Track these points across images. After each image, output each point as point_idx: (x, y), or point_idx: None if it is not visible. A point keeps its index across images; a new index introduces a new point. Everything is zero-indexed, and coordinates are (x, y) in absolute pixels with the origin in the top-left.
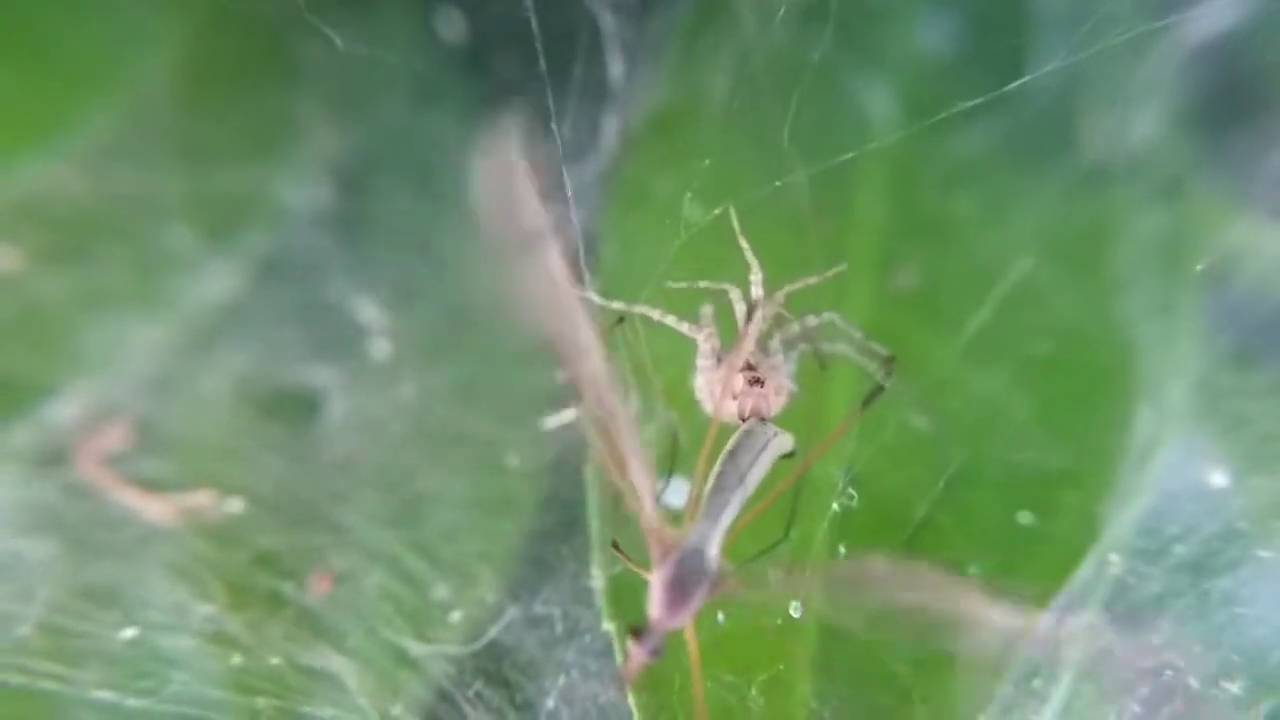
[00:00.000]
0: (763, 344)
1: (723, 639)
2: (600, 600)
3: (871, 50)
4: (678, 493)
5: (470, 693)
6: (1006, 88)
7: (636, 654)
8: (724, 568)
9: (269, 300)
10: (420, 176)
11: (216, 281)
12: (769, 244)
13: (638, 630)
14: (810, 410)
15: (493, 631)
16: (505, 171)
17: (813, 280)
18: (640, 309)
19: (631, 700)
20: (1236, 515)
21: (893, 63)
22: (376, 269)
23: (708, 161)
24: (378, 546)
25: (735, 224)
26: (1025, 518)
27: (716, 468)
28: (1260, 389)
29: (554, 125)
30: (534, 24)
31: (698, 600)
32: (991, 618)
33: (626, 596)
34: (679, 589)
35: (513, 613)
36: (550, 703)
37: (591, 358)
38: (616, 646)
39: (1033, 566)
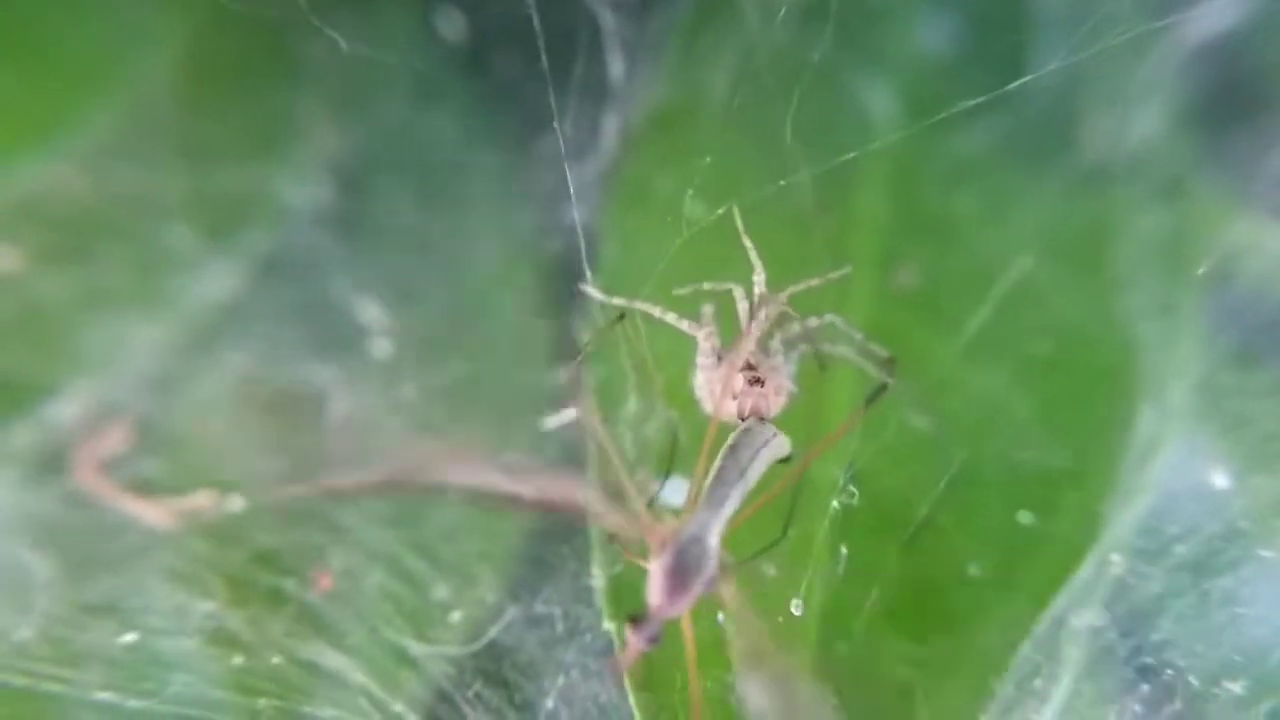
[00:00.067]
0: (763, 344)
1: (723, 638)
2: (600, 600)
3: (872, 49)
4: (676, 491)
5: (470, 693)
6: (1007, 87)
7: (634, 642)
8: (724, 558)
9: (269, 299)
10: (421, 176)
11: (217, 281)
12: (770, 243)
13: (636, 618)
14: (810, 411)
15: (493, 631)
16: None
17: (816, 282)
18: (641, 306)
19: (632, 700)
20: (1238, 515)
21: (893, 62)
22: (377, 268)
23: (708, 160)
24: (378, 546)
25: (739, 223)
26: (1026, 517)
27: (717, 462)
28: (1262, 388)
29: (556, 123)
30: (536, 22)
31: (697, 589)
32: None
33: (627, 596)
34: (679, 577)
35: (513, 612)
36: (550, 703)
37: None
38: (617, 646)
39: (1034, 566)
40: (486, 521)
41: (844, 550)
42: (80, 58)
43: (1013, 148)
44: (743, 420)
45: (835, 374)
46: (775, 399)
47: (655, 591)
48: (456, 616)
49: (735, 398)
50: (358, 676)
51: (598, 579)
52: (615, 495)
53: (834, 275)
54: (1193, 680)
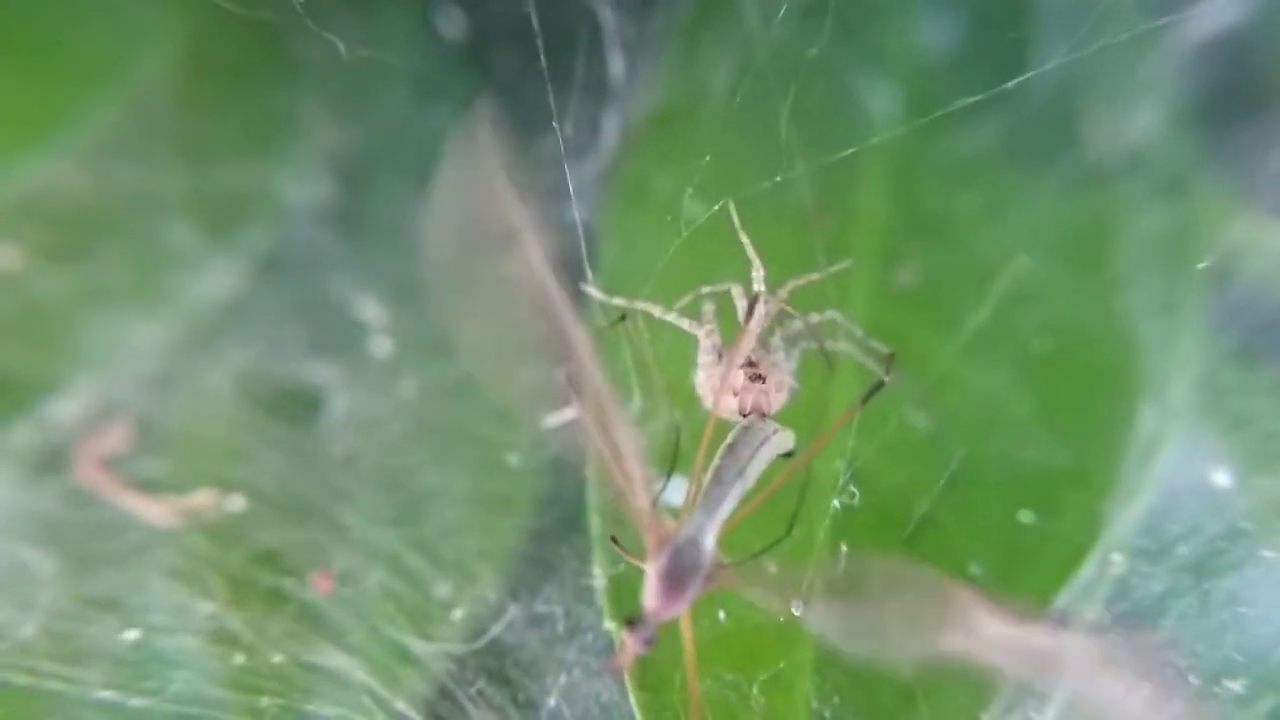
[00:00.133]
0: (764, 341)
1: (723, 637)
2: (601, 599)
3: (872, 47)
4: (677, 490)
5: (472, 691)
6: (1007, 85)
7: (630, 644)
8: (719, 560)
9: (270, 297)
10: (421, 174)
11: (217, 279)
12: (770, 240)
13: (632, 620)
14: (812, 408)
15: (494, 630)
16: (477, 166)
17: (816, 277)
18: (642, 305)
19: (633, 699)
20: (1239, 514)
21: (893, 59)
22: (377, 266)
23: (708, 158)
24: (379, 545)
25: (735, 219)
26: (1027, 516)
27: (715, 461)
28: (1263, 387)
29: (556, 123)
30: (535, 21)
31: (693, 591)
32: (988, 625)
33: (628, 595)
34: (674, 580)
35: (514, 611)
36: (552, 701)
37: (580, 351)
38: (618, 646)
39: (1035, 566)
40: (487, 520)
41: (844, 549)
42: (80, 56)
43: (1013, 145)
44: (744, 417)
45: (837, 371)
46: (776, 395)
47: (650, 595)
48: (458, 615)
49: (736, 394)
50: (359, 675)
51: (598, 578)
52: (616, 495)
53: (834, 270)
54: (1193, 679)
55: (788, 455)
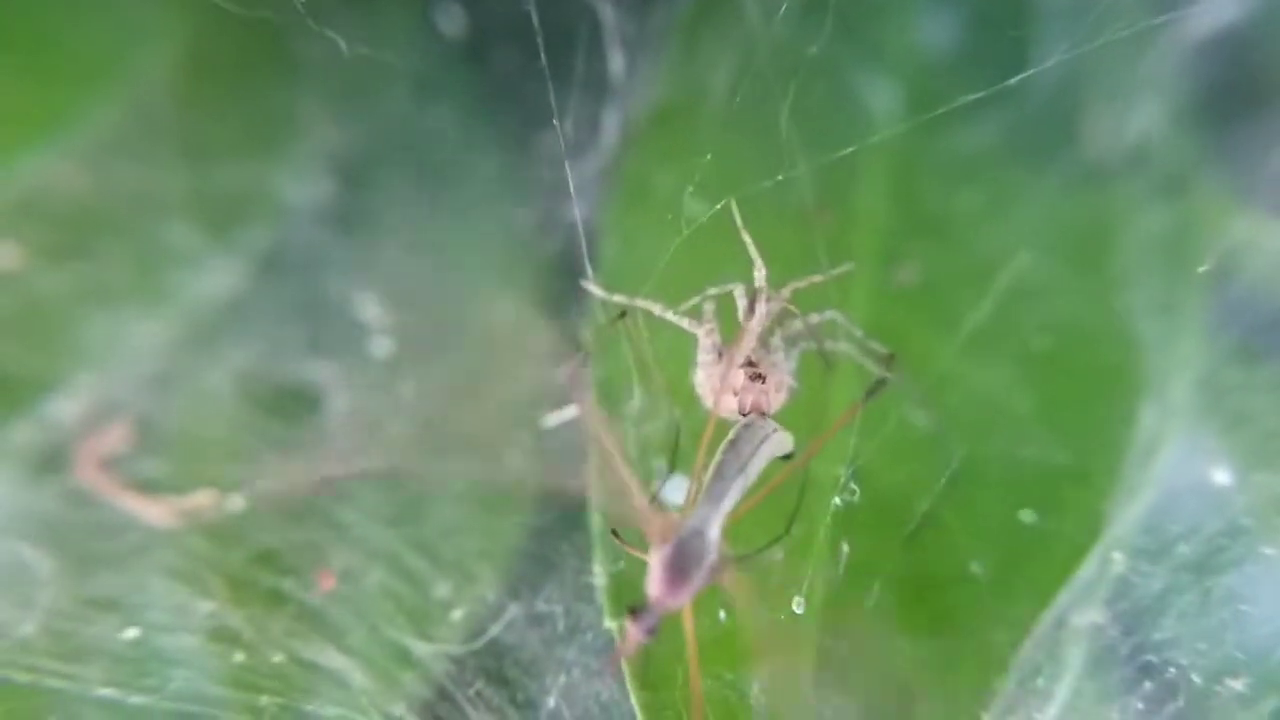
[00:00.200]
0: (764, 340)
1: (724, 636)
2: (602, 597)
3: (872, 44)
4: (677, 489)
5: (471, 691)
6: (1008, 82)
7: (633, 633)
8: (724, 551)
9: (270, 297)
10: (421, 172)
11: (217, 278)
12: (771, 239)
13: (636, 610)
14: (812, 408)
15: (494, 629)
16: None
17: (817, 278)
18: (642, 303)
19: (634, 698)
20: (1240, 512)
21: (893, 56)
22: (377, 266)
23: (709, 157)
24: (378, 544)
25: (737, 218)
26: (1028, 515)
27: (717, 457)
28: (1263, 385)
29: (556, 120)
30: (535, 19)
31: (697, 581)
32: None
33: (628, 594)
34: (679, 569)
35: (514, 610)
36: (551, 701)
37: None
38: (619, 643)
39: (1035, 564)
40: (487, 519)
41: (845, 548)
42: (80, 55)
43: (1013, 143)
44: (744, 416)
45: (837, 371)
46: (776, 395)
47: (655, 583)
48: (457, 615)
49: (736, 393)
50: (359, 675)
51: (599, 576)
52: (617, 492)
53: (835, 272)
54: (1195, 678)
55: (786, 457)
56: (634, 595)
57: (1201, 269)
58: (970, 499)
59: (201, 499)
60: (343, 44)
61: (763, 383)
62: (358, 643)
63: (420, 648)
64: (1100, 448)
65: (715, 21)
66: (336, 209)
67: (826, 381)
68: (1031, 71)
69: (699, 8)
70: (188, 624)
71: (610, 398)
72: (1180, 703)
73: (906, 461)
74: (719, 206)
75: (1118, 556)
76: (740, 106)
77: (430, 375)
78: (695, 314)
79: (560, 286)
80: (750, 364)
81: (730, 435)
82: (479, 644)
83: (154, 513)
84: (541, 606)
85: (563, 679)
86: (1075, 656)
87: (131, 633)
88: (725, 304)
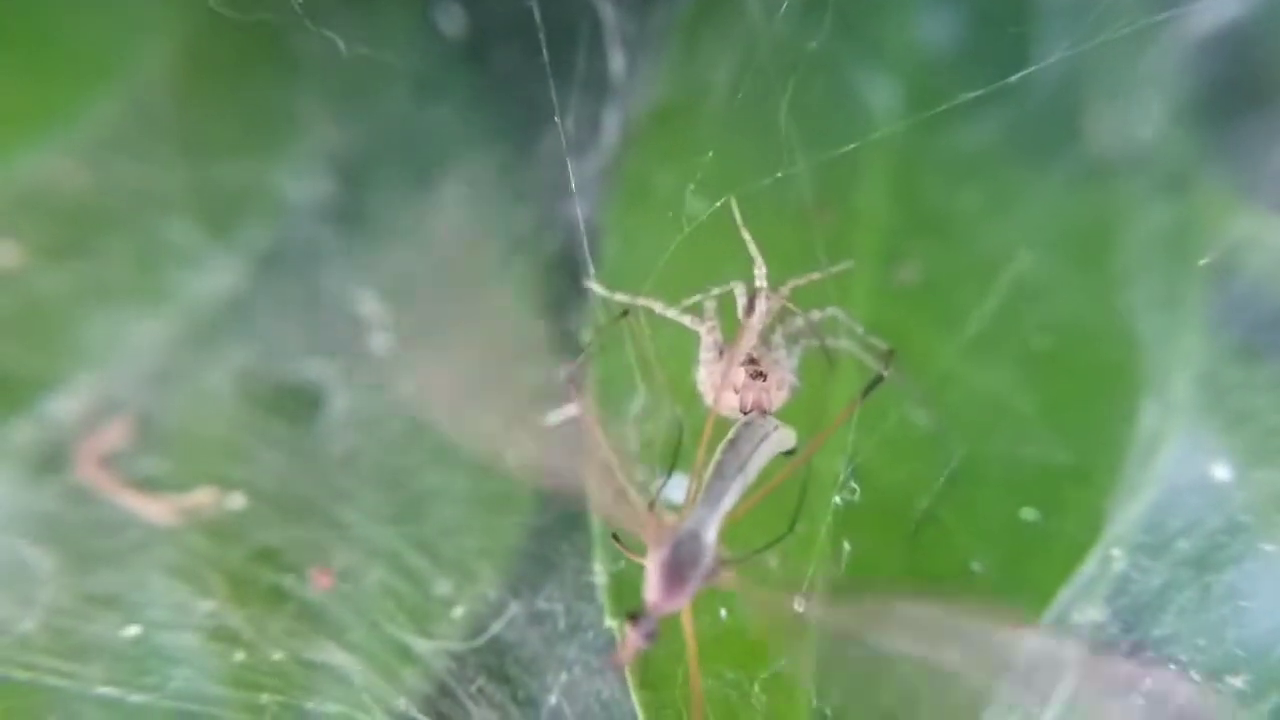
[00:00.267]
0: (765, 338)
1: (725, 635)
2: (602, 596)
3: (873, 41)
4: (677, 488)
5: (473, 689)
6: (1009, 79)
7: (632, 638)
8: (721, 553)
9: (269, 295)
10: (421, 171)
11: (217, 276)
12: (771, 237)
13: (634, 614)
14: (813, 405)
15: (495, 627)
16: None
17: (817, 276)
18: (644, 302)
19: (634, 697)
20: (1240, 509)
21: (894, 54)
22: (377, 263)
23: (710, 155)
24: (379, 542)
25: (737, 215)
26: (1028, 514)
27: (717, 456)
28: (1265, 383)
29: (557, 119)
30: (537, 17)
31: (694, 584)
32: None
33: (629, 592)
34: (675, 572)
35: (514, 608)
36: (553, 699)
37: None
38: (619, 642)
39: (1036, 563)
40: (487, 518)
41: (846, 546)
42: (79, 51)
43: (1015, 141)
44: (745, 414)
45: (838, 368)
46: (777, 393)
47: (652, 588)
48: (458, 612)
49: (737, 391)
50: (360, 672)
51: (599, 575)
52: (616, 491)
53: (835, 270)
54: (1195, 676)
55: (788, 453)
56: (634, 594)
57: (1202, 261)
58: (971, 497)
59: (201, 497)
60: (341, 43)
61: (764, 380)
62: (358, 640)
63: (421, 645)
64: (1101, 446)
65: (716, 20)
66: (336, 207)
67: (828, 379)
68: (1033, 69)
69: (700, 6)
70: (188, 622)
71: (612, 397)
72: (1180, 700)
73: (907, 460)
74: (719, 204)
75: (1118, 553)
76: (741, 104)
77: (430, 373)
78: (697, 312)
79: (561, 284)
80: (752, 361)
81: (730, 434)
82: (480, 641)
83: (154, 510)
84: (542, 605)
85: (564, 677)
86: (1076, 654)
87: (132, 630)
88: (727, 302)
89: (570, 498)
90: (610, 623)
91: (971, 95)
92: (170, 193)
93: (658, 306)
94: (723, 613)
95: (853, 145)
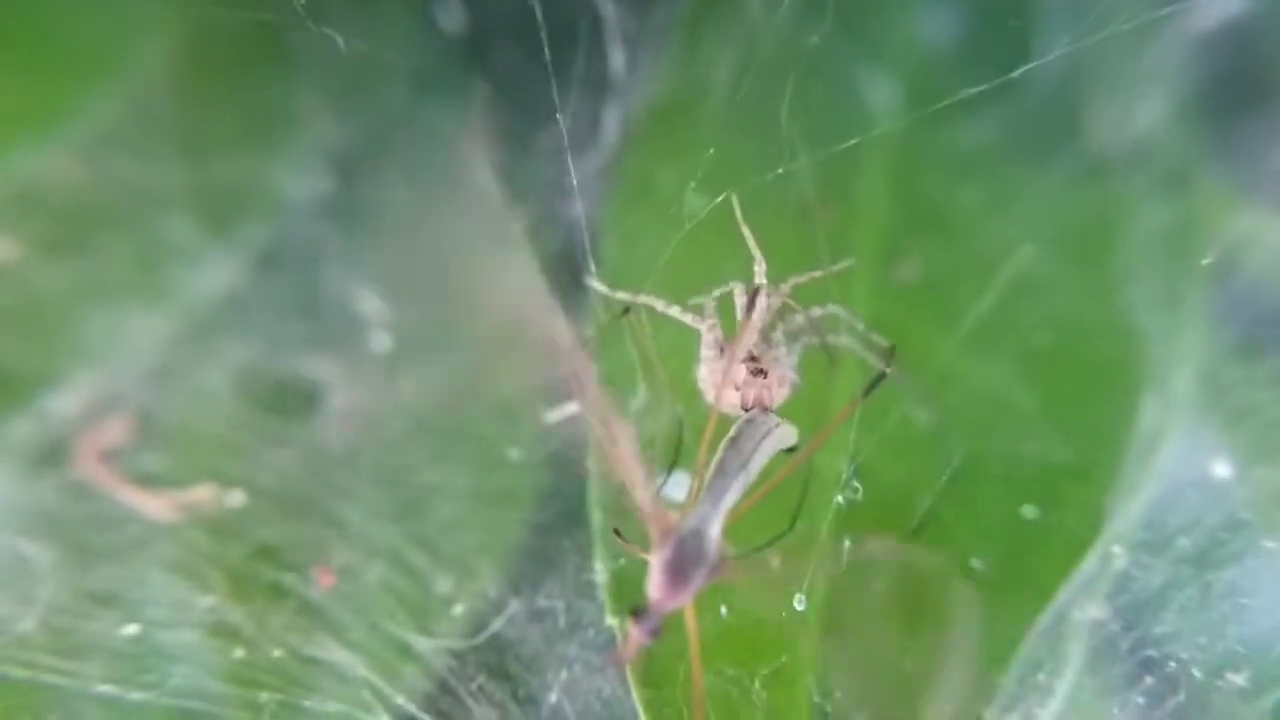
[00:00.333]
0: (766, 335)
1: (726, 632)
2: (603, 594)
3: (873, 38)
4: (679, 485)
5: (473, 686)
6: (1010, 75)
7: (635, 635)
8: (724, 550)
9: (269, 292)
10: (421, 168)
11: (216, 273)
12: (772, 234)
13: (637, 611)
14: (814, 403)
15: (495, 625)
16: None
17: (818, 274)
18: (645, 299)
19: (635, 695)
20: (1240, 506)
21: (894, 51)
22: (376, 261)
23: (711, 153)
24: (379, 540)
25: (738, 212)
26: (1029, 511)
27: (719, 454)
28: (1265, 380)
29: (560, 115)
30: (539, 14)
31: (698, 581)
32: None
33: (629, 590)
34: (678, 570)
35: (515, 606)
36: (553, 697)
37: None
38: (620, 640)
39: (1037, 560)
40: (487, 515)
41: (847, 544)
42: (78, 48)
43: (1015, 137)
44: (746, 411)
45: (839, 365)
46: (778, 390)
47: (655, 585)
48: (458, 610)
49: (738, 389)
50: (360, 670)
51: (600, 573)
52: (618, 489)
53: (836, 268)
54: (1196, 673)
55: (790, 450)
56: (635, 592)
57: (1205, 261)
58: (971, 495)
59: (201, 493)
60: (340, 40)
61: (764, 378)
62: (358, 638)
63: (421, 642)
64: (1101, 443)
65: (717, 17)
66: (336, 204)
67: (830, 376)
68: (1033, 65)
69: (700, 3)
70: (187, 619)
71: (614, 394)
72: (1181, 697)
73: (908, 458)
74: (719, 201)
75: (1118, 551)
76: (742, 102)
77: (430, 371)
78: (698, 309)
79: (561, 282)
80: (752, 359)
81: (731, 432)
82: (480, 639)
83: (154, 506)
84: (542, 602)
85: (564, 675)
86: (1076, 652)
87: (131, 628)
88: (728, 299)
89: (571, 494)
90: (611, 620)
91: (972, 91)
92: (170, 190)
93: (658, 304)
94: (723, 610)
95: (853, 142)
